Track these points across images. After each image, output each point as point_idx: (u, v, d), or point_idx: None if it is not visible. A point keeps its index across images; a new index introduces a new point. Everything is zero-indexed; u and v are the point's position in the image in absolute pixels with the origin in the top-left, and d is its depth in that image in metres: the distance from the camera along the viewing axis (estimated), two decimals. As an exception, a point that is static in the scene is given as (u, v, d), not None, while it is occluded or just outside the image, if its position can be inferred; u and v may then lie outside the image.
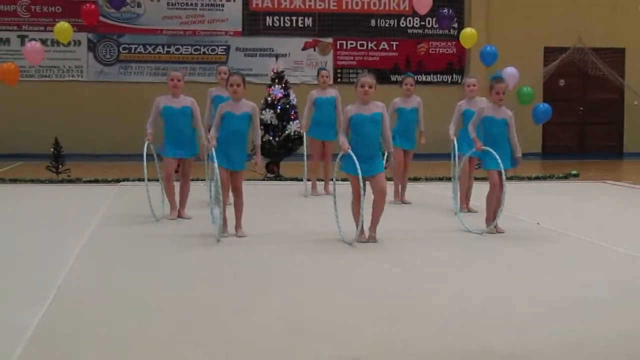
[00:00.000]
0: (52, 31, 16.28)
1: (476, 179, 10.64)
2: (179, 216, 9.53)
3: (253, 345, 4.65)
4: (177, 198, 9.60)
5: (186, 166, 9.62)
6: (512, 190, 10.49)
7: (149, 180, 9.38)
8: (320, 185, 12.09)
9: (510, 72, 15.99)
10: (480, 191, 9.75)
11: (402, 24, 22.02)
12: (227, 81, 8.46)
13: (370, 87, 7.94)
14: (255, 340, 4.72)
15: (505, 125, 8.65)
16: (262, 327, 4.97)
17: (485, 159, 8.65)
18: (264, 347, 4.62)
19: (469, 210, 10.07)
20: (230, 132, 8.21)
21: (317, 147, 11.91)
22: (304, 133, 11.97)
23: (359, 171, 7.63)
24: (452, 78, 22.11)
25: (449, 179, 13.11)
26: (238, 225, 8.31)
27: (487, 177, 8.71)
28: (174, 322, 5.06)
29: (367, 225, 8.02)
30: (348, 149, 7.76)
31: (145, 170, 9.34)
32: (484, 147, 8.59)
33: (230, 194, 8.46)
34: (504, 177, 8.44)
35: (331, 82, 12.05)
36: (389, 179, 11.28)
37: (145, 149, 9.22)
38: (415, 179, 13.58)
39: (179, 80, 9.43)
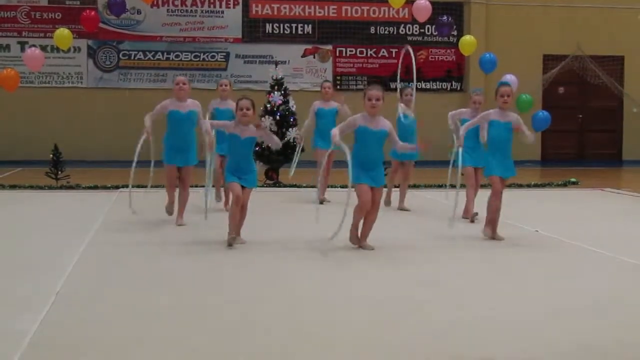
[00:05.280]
0: (52, 37, 16.27)
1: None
2: (177, 222, 9.51)
3: (253, 353, 4.65)
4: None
5: (185, 174, 9.57)
6: (511, 198, 10.50)
7: (141, 186, 9.37)
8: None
9: (509, 79, 15.98)
10: (482, 200, 9.74)
11: (402, 31, 22.06)
12: (236, 105, 8.36)
13: (378, 99, 7.77)
14: (255, 348, 4.71)
15: (511, 129, 8.65)
16: (262, 335, 4.97)
17: (489, 165, 8.66)
18: (264, 354, 4.62)
19: (472, 220, 10.05)
20: (237, 155, 8.20)
21: (321, 156, 11.93)
22: (301, 142, 11.98)
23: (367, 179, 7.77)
24: (451, 85, 22.15)
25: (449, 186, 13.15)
26: (237, 234, 8.27)
27: (490, 183, 8.73)
28: (173, 329, 5.06)
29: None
30: (339, 142, 7.67)
31: (152, 174, 9.46)
32: (461, 146, 8.90)
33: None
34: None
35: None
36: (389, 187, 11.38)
37: (139, 145, 8.94)
38: (415, 186, 13.59)
39: (184, 84, 9.45)
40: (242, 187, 8.16)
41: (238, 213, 8.12)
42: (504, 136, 8.62)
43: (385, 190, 9.88)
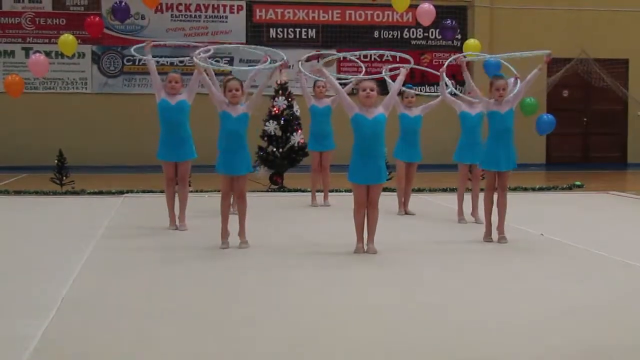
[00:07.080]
0: (56, 43, 16.29)
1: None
2: (179, 227, 9.40)
3: (255, 356, 4.65)
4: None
5: (182, 170, 9.39)
6: (516, 201, 10.50)
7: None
8: (319, 196, 12.08)
9: (512, 82, 15.93)
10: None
11: (406, 35, 22.05)
12: (224, 86, 8.46)
13: (372, 89, 7.80)
14: (258, 353, 4.72)
15: (511, 118, 8.56)
16: (264, 340, 4.97)
17: (487, 158, 8.60)
18: (265, 358, 4.62)
19: (477, 220, 10.04)
20: (229, 134, 8.15)
21: (315, 158, 11.96)
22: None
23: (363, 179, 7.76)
24: (455, 89, 22.10)
25: (453, 190, 13.14)
26: (242, 233, 8.24)
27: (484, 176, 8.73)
28: (178, 335, 5.06)
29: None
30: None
31: None
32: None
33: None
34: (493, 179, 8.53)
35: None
36: (392, 190, 11.37)
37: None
38: (419, 190, 13.56)
39: (176, 82, 9.32)
40: (234, 176, 8.20)
41: (228, 209, 8.30)
42: (505, 127, 8.55)
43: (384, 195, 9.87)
